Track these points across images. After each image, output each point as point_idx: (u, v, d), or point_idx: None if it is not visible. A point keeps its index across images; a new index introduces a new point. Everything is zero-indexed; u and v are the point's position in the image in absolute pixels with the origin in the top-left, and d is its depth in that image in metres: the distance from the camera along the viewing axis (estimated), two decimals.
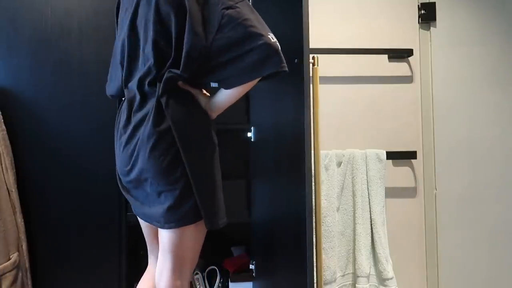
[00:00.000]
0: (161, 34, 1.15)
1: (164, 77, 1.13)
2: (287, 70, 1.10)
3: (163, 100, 1.13)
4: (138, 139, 1.16)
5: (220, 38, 1.10)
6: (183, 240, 1.17)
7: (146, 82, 1.17)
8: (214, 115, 1.22)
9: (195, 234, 1.18)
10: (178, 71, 1.12)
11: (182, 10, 1.12)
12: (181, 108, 1.15)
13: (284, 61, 1.10)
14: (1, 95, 1.64)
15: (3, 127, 1.59)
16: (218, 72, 1.14)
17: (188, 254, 1.20)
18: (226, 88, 1.17)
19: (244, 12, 1.10)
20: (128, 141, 1.19)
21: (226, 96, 1.18)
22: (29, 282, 1.60)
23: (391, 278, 1.94)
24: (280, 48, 1.10)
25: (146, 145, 1.13)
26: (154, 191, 1.15)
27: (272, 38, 1.09)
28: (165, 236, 1.18)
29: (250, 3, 1.16)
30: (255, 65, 1.09)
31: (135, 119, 1.18)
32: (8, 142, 1.60)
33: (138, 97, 1.19)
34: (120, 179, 1.27)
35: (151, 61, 1.15)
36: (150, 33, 1.15)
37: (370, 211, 1.99)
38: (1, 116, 1.59)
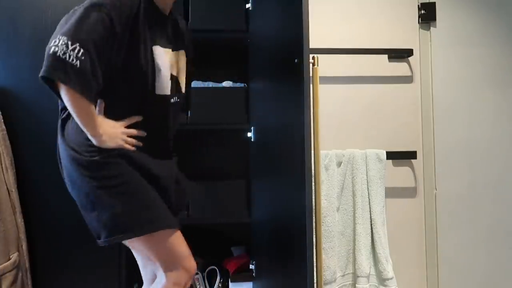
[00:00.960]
0: None
1: None
2: (52, 78, 1.08)
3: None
4: None
5: None
6: (149, 246, 1.21)
7: None
8: (99, 140, 1.15)
9: (154, 240, 1.19)
10: None
11: None
12: (68, 133, 1.22)
13: (49, 68, 1.06)
14: (1, 95, 1.63)
15: (3, 127, 1.59)
16: None
17: (165, 258, 1.22)
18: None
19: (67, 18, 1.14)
20: None
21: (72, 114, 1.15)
22: (29, 282, 1.60)
23: (391, 278, 1.94)
24: (55, 51, 1.06)
25: None
26: None
27: (56, 41, 1.06)
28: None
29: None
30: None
31: None
32: (8, 142, 1.60)
33: None
34: None
35: None
36: None
37: (370, 211, 1.99)
38: (1, 116, 1.59)
